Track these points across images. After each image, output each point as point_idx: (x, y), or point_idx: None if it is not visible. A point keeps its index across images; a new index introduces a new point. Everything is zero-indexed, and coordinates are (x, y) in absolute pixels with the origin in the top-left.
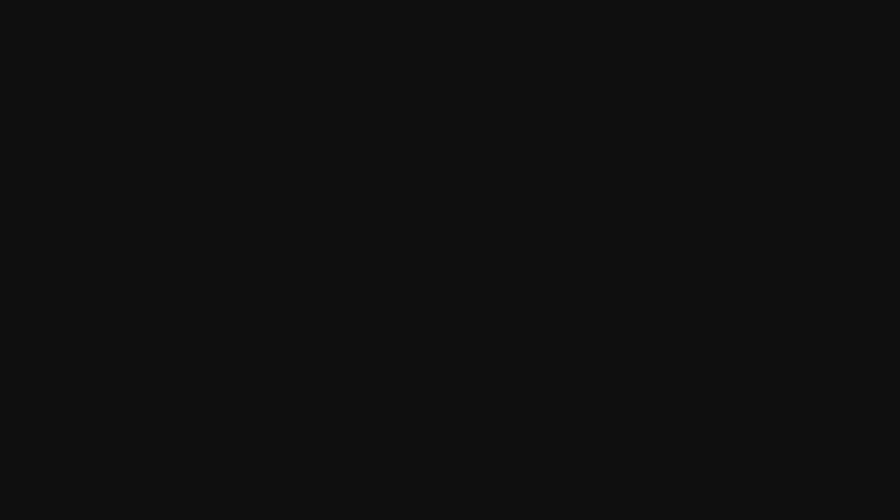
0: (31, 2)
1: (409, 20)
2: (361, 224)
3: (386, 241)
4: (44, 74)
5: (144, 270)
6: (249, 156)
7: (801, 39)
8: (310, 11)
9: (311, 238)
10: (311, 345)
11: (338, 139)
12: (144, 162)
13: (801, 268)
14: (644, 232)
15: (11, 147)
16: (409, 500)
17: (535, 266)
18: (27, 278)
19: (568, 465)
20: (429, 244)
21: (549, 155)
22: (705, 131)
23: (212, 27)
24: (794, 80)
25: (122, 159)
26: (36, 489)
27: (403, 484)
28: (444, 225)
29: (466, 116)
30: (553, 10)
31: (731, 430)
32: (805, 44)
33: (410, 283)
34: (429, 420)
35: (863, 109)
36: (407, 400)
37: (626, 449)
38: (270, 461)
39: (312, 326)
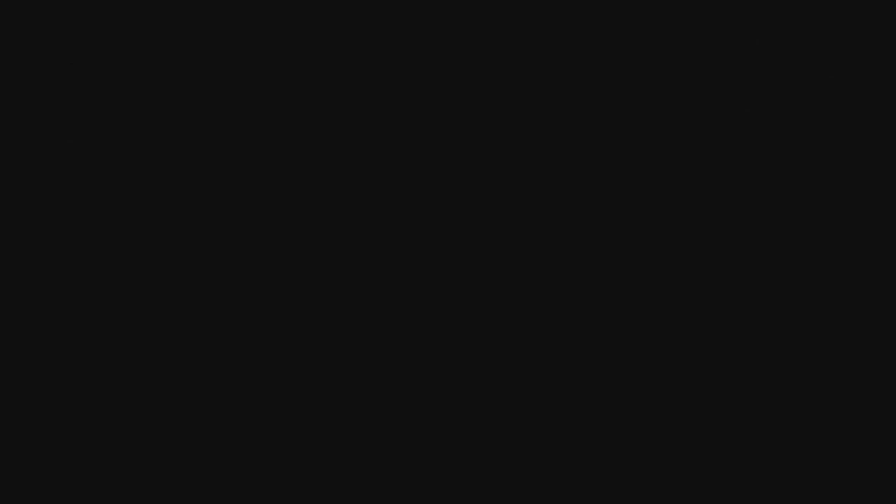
0: (31, 2)
1: (409, 20)
2: (361, 224)
3: (386, 241)
4: (44, 74)
5: (144, 270)
6: (249, 156)
7: (801, 39)
8: (310, 11)
9: (312, 238)
10: (311, 345)
11: (338, 139)
12: (144, 162)
13: (801, 267)
14: (644, 232)
15: (11, 147)
16: (409, 500)
17: (536, 266)
18: (27, 278)
19: (568, 466)
20: (429, 244)
21: (550, 155)
22: (705, 131)
23: (212, 27)
24: (794, 80)
25: (122, 159)
26: (36, 489)
27: (403, 484)
28: (444, 225)
29: (466, 116)
30: (553, 10)
31: (731, 431)
32: (805, 44)
33: (410, 283)
34: (429, 420)
35: (863, 109)
36: (407, 400)
37: (626, 449)
38: (270, 461)
39: (312, 326)
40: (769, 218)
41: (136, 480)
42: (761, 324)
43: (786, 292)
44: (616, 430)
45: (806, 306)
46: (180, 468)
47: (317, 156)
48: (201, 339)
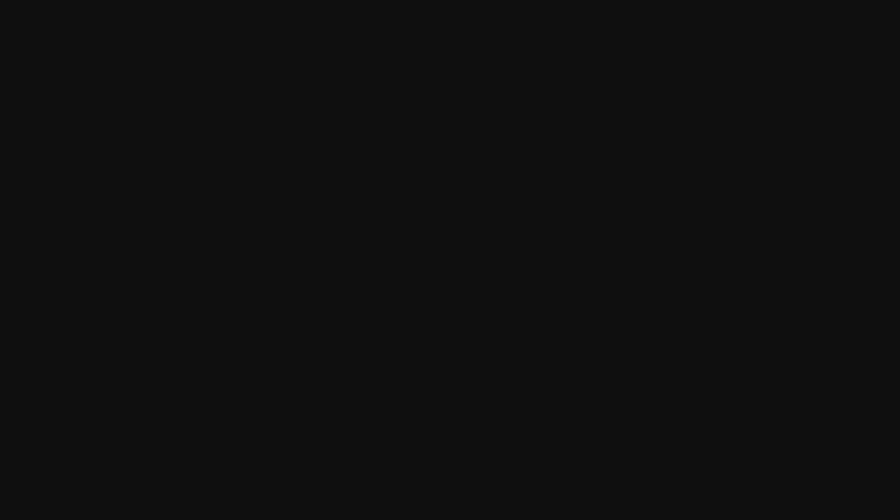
0: (31, 2)
1: (409, 20)
2: (361, 224)
3: (386, 241)
4: (44, 74)
5: (144, 270)
6: (249, 156)
7: (801, 39)
8: (310, 11)
9: (312, 238)
10: (311, 345)
11: (338, 139)
12: (144, 162)
13: (801, 268)
14: (644, 232)
15: (11, 147)
16: (409, 500)
17: (535, 266)
18: (27, 278)
19: (568, 466)
20: (429, 244)
21: (549, 155)
22: (705, 131)
23: (212, 27)
24: (794, 80)
25: (122, 159)
26: (36, 489)
27: (403, 484)
28: (445, 225)
29: (466, 116)
30: (553, 10)
31: (731, 431)
32: (805, 44)
33: (410, 284)
34: (429, 420)
35: (863, 109)
36: (407, 400)
37: (626, 449)
38: (270, 461)
39: (312, 327)
40: (769, 218)
41: (137, 480)
42: (761, 323)
43: (785, 292)
44: (616, 430)
45: (805, 306)
46: (180, 468)
47: (317, 156)
48: (201, 338)
